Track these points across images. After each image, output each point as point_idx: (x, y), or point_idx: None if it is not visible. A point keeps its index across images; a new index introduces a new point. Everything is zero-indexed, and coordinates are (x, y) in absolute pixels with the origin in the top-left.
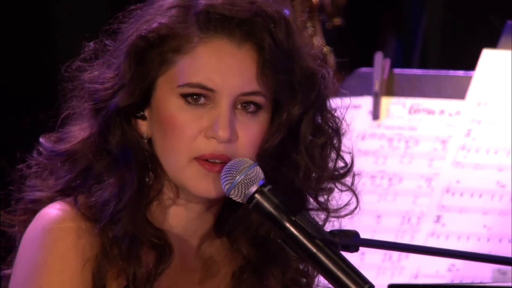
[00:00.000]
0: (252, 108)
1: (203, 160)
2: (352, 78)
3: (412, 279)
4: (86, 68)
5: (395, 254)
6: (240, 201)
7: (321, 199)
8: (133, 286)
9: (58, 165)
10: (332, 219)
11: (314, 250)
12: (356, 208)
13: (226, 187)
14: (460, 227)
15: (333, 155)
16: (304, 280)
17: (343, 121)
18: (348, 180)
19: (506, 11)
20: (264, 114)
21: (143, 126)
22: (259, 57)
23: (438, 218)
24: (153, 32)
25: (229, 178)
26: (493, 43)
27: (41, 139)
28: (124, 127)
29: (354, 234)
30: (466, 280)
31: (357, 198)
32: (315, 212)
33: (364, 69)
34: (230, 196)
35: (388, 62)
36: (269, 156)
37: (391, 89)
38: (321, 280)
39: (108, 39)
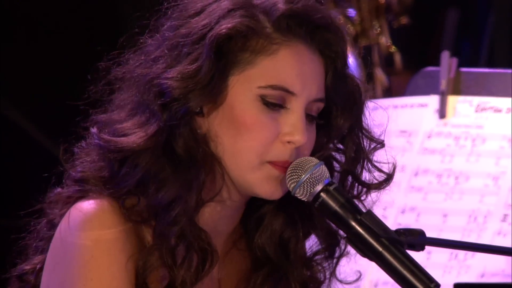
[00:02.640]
0: (315, 114)
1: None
2: (418, 77)
3: (478, 278)
4: (134, 58)
5: (461, 253)
6: (306, 200)
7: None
8: (176, 286)
9: (111, 158)
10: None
11: (380, 249)
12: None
13: (292, 186)
14: None
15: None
16: (320, 285)
17: (381, 135)
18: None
19: None
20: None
21: (198, 122)
22: (326, 65)
23: (505, 217)
24: (235, 30)
25: (294, 177)
26: None
27: (92, 130)
28: (191, 125)
29: (420, 233)
30: None
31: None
32: None
33: (430, 68)
34: (296, 195)
35: (455, 61)
36: None
37: (458, 88)
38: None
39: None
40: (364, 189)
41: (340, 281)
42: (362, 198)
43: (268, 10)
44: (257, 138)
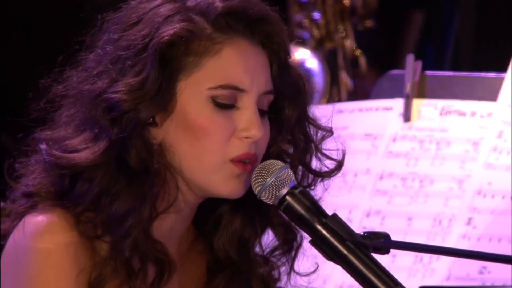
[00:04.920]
0: (266, 107)
1: (237, 161)
2: (383, 80)
3: (443, 281)
4: (75, 75)
5: (426, 256)
6: (271, 203)
7: None
8: None
9: (62, 174)
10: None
11: (345, 252)
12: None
13: (257, 189)
14: (491, 230)
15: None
16: (278, 278)
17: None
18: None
19: None
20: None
21: (152, 133)
22: (270, 57)
23: (469, 221)
24: (176, 36)
25: (260, 180)
26: None
27: (42, 147)
28: (144, 137)
29: (385, 236)
30: (498, 283)
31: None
32: None
33: (395, 71)
34: (261, 198)
35: (419, 64)
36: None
37: (423, 91)
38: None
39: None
40: (317, 178)
41: (298, 274)
42: (313, 188)
43: (204, 11)
44: (214, 139)
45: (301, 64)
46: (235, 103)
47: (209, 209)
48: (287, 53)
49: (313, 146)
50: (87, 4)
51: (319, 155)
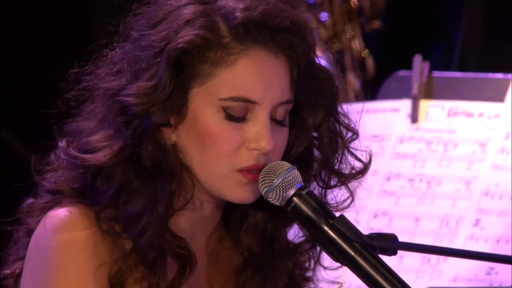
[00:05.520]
0: (283, 117)
1: (245, 171)
2: (390, 81)
3: (450, 282)
4: (100, 73)
5: (433, 257)
6: (278, 204)
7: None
8: None
9: (83, 173)
10: None
11: (353, 253)
12: (350, 203)
13: (264, 190)
14: (499, 231)
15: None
16: (306, 274)
17: (356, 123)
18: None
19: None
20: (288, 121)
21: (167, 133)
22: (291, 65)
23: (477, 222)
24: (192, 43)
25: (267, 181)
26: None
27: (60, 145)
28: (155, 138)
29: (392, 238)
30: (506, 284)
31: (352, 196)
32: None
33: (403, 72)
34: (268, 199)
35: (427, 65)
36: (292, 162)
37: (430, 92)
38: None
39: (116, 45)
40: (341, 180)
41: (325, 268)
42: (338, 189)
43: (227, 17)
44: (222, 149)
45: (330, 62)
46: (246, 114)
47: (235, 204)
48: (310, 59)
49: (341, 144)
50: None
51: (343, 158)
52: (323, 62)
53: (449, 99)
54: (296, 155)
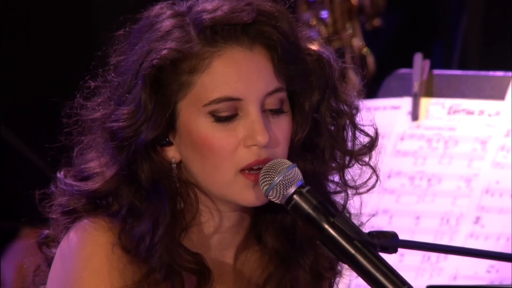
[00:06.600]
0: (277, 105)
1: (249, 170)
2: (391, 79)
3: (451, 280)
4: (88, 106)
5: (434, 255)
6: (279, 202)
7: (347, 176)
8: None
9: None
10: (351, 196)
11: (353, 251)
12: (375, 184)
13: (265, 188)
14: (499, 228)
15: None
16: (332, 266)
17: (358, 97)
18: (367, 157)
19: None
20: (287, 109)
21: (170, 152)
22: (271, 54)
23: (477, 219)
24: (164, 59)
25: (267, 179)
26: None
27: (59, 175)
28: (152, 158)
29: (392, 235)
30: (506, 282)
31: (376, 174)
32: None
33: (403, 70)
34: (269, 197)
35: (427, 63)
36: (299, 147)
37: (431, 90)
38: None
39: (103, 74)
40: (351, 159)
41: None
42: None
43: (196, 23)
44: (220, 155)
45: (321, 44)
46: (236, 113)
47: (258, 210)
48: (290, 44)
49: (344, 121)
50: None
51: (349, 136)
52: (310, 42)
53: (450, 97)
54: (301, 140)
